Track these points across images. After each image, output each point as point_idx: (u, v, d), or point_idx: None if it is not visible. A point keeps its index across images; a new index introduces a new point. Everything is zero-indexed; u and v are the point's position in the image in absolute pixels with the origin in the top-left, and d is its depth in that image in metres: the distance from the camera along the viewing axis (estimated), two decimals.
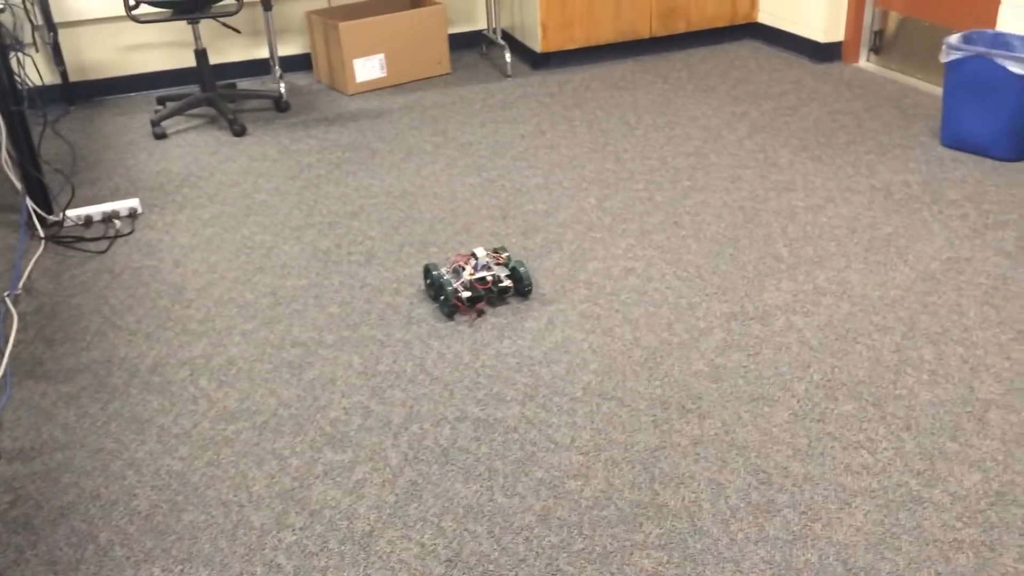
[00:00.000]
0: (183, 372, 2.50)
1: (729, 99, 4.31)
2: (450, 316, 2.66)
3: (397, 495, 2.01)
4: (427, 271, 2.76)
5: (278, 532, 1.93)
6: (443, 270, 2.74)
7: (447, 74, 4.93)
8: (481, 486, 2.02)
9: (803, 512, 1.90)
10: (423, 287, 2.82)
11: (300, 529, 1.94)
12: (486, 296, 2.70)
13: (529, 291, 2.74)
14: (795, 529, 1.86)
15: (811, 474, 2.00)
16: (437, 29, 4.81)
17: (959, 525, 1.84)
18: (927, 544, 1.80)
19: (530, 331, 2.59)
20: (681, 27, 5.00)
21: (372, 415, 2.28)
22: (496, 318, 2.66)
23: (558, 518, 1.92)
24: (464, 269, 2.70)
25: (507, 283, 2.70)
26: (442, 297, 2.65)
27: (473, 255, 2.77)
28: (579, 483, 2.02)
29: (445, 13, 4.84)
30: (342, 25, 4.53)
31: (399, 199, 3.48)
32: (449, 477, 2.06)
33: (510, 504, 1.97)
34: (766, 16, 5.05)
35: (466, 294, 2.64)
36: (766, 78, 4.55)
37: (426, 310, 2.72)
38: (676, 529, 1.88)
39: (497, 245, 3.03)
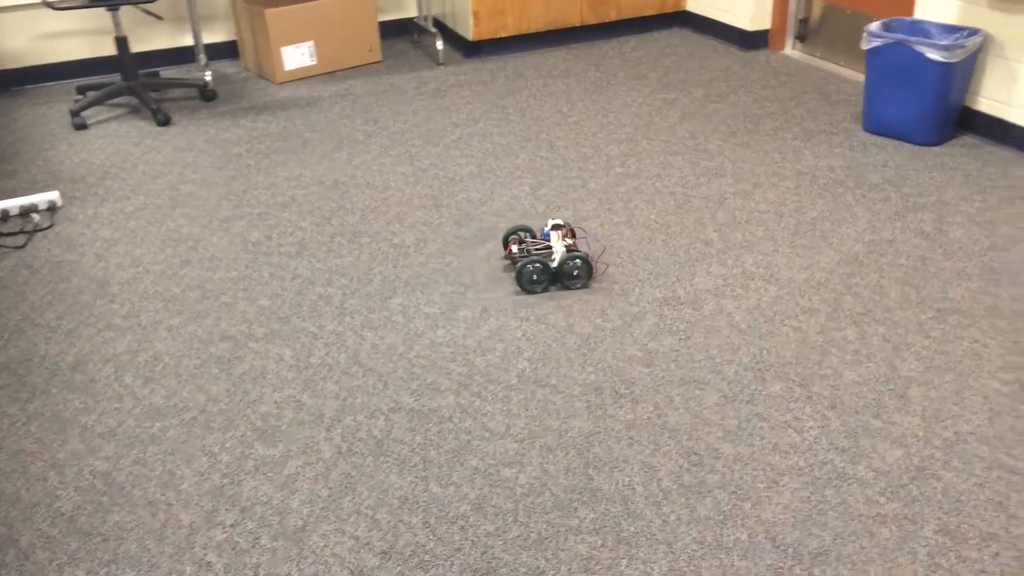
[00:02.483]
0: (107, 369, 2.43)
1: (660, 87, 4.35)
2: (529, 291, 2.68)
3: (330, 488, 1.99)
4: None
5: (208, 530, 1.89)
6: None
7: (378, 62, 4.87)
8: (416, 477, 2.01)
9: (733, 492, 1.94)
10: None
11: (231, 526, 1.90)
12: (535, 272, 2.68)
13: (574, 286, 2.70)
14: (725, 509, 1.89)
15: (741, 454, 2.04)
16: (367, 16, 4.75)
17: (882, 500, 1.90)
18: (852, 519, 1.85)
19: (464, 320, 2.58)
20: (612, 15, 5.02)
21: (304, 408, 2.25)
22: (430, 308, 2.65)
23: (493, 506, 1.92)
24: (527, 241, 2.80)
25: (555, 264, 2.68)
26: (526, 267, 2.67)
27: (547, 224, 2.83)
28: (514, 471, 2.02)
29: (375, 0, 4.77)
30: (268, 12, 4.44)
31: (330, 189, 3.44)
32: (383, 469, 2.04)
33: (445, 494, 1.96)
34: (694, 4, 5.11)
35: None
36: (696, 66, 4.61)
37: (359, 301, 2.69)
38: (610, 513, 1.90)
39: (577, 227, 3.03)
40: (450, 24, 5.03)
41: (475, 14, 4.70)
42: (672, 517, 1.88)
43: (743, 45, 4.79)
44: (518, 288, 2.72)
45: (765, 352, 2.39)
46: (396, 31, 5.28)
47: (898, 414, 2.14)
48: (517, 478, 2.00)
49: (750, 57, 4.69)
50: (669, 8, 5.14)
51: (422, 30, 5.16)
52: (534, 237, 2.87)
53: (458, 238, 3.04)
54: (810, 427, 2.11)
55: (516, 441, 2.11)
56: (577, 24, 4.97)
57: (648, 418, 2.17)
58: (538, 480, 1.99)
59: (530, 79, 4.53)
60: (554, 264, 2.70)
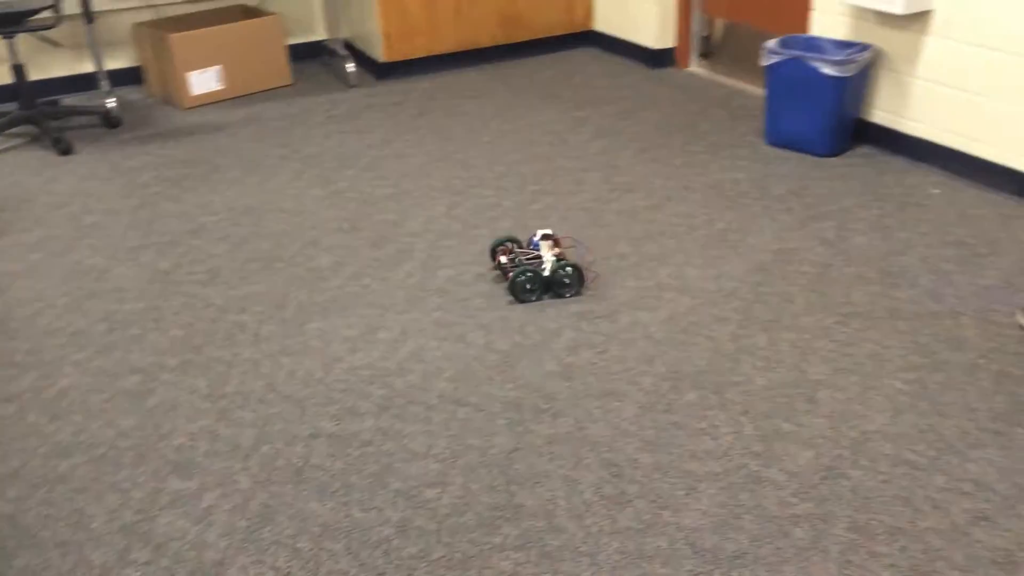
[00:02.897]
0: (9, 408, 2.33)
1: (571, 105, 4.42)
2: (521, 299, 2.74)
3: (249, 520, 1.95)
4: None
5: (121, 569, 1.83)
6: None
7: (288, 85, 4.82)
8: (337, 503, 1.99)
9: (653, 501, 1.97)
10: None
11: (145, 564, 1.84)
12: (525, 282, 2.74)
13: (567, 294, 2.76)
14: (646, 518, 1.92)
15: (659, 463, 2.08)
16: (274, 40, 4.70)
17: (795, 501, 1.95)
18: (767, 521, 1.90)
19: (383, 342, 2.57)
20: (522, 35, 5.09)
21: (220, 439, 2.20)
22: (348, 331, 2.62)
23: (417, 528, 1.91)
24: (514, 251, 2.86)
25: (546, 273, 2.74)
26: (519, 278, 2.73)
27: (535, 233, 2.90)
28: (437, 491, 2.01)
29: (282, 23, 4.74)
30: (173, 36, 4.36)
31: (243, 215, 3.38)
32: (303, 496, 2.01)
33: (367, 518, 1.94)
34: (602, 24, 5.22)
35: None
36: (605, 84, 4.70)
37: (275, 327, 2.65)
38: (533, 528, 1.91)
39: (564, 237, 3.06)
40: (361, 46, 5.02)
41: (386, 36, 4.71)
42: (594, 529, 1.90)
43: (650, 63, 4.91)
44: (512, 298, 2.75)
45: (680, 362, 2.44)
46: (306, 54, 5.24)
47: (807, 416, 2.21)
48: (440, 498, 1.99)
49: (657, 74, 4.81)
50: (578, 28, 5.24)
51: (333, 53, 5.13)
52: (521, 247, 2.91)
53: (375, 260, 3.03)
54: (725, 433, 2.17)
55: (438, 461, 2.11)
56: (488, 44, 5.02)
57: (568, 432, 2.19)
58: (461, 499, 1.99)
59: (443, 100, 4.55)
60: (546, 273, 2.74)
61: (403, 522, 1.93)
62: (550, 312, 2.69)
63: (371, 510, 1.96)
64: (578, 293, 2.78)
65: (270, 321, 2.69)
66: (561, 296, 2.76)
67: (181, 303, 2.80)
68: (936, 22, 3.36)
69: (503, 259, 2.86)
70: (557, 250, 2.86)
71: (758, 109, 4.23)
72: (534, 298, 2.75)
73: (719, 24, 4.68)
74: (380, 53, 4.77)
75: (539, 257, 2.83)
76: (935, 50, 3.40)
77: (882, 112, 3.69)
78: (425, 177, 3.66)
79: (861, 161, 3.64)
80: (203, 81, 4.51)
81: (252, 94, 4.71)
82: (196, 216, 3.38)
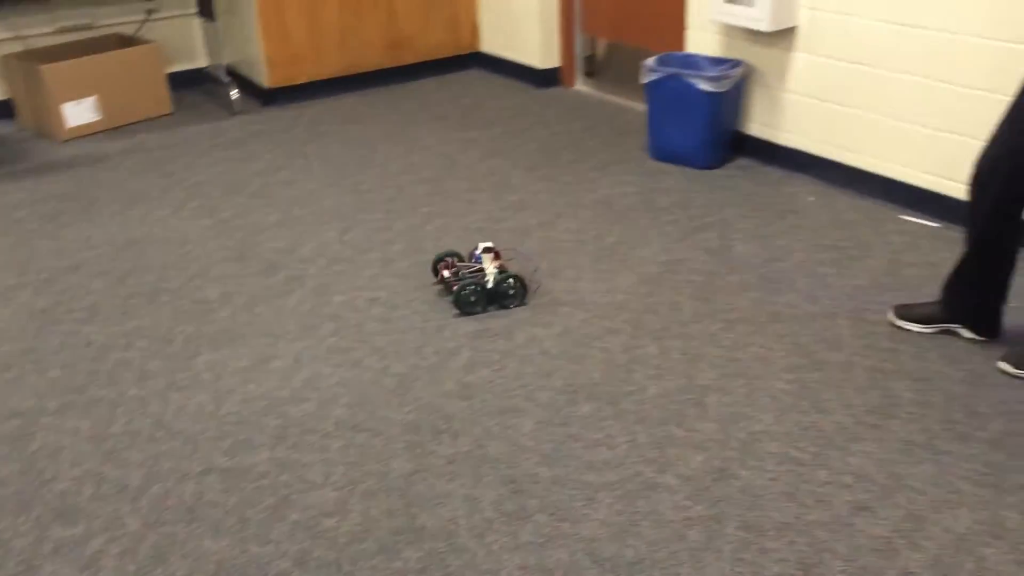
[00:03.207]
0: None
1: (460, 126, 4.45)
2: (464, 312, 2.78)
3: (139, 563, 1.88)
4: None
5: None
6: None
7: (169, 114, 4.70)
8: (232, 539, 1.94)
9: (552, 514, 1.99)
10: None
11: None
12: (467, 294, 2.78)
13: (510, 305, 2.81)
14: (546, 531, 1.94)
15: (558, 476, 2.11)
16: (153, 68, 4.58)
17: (689, 504, 2.01)
18: (663, 526, 1.95)
19: (277, 371, 2.53)
20: (408, 58, 5.10)
21: (106, 481, 2.11)
22: (239, 362, 2.57)
23: (316, 559, 1.88)
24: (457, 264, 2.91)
25: (491, 285, 2.78)
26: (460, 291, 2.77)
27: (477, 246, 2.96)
28: (336, 520, 1.99)
29: (161, 51, 4.62)
30: (45, 68, 4.19)
31: (124, 249, 3.27)
32: (197, 535, 1.95)
33: (264, 553, 1.90)
34: (488, 45, 5.29)
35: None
36: (494, 104, 4.76)
37: (162, 362, 2.57)
38: (435, 550, 1.90)
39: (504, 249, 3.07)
40: (244, 72, 4.94)
41: (269, 61, 4.65)
42: (496, 546, 1.91)
43: (536, 83, 5.00)
44: (457, 311, 2.78)
45: (575, 375, 2.49)
46: (188, 82, 5.12)
47: (698, 421, 2.28)
48: (339, 527, 1.97)
49: (544, 94, 4.89)
50: (464, 49, 5.29)
51: (215, 80, 5.03)
52: (462, 261, 2.93)
53: (265, 288, 2.97)
54: (620, 442, 2.21)
55: (336, 490, 2.08)
56: (375, 68, 5.01)
57: (468, 451, 2.20)
58: (361, 526, 1.97)
59: (331, 124, 4.52)
60: (489, 285, 2.78)
61: (302, 554, 1.89)
62: (447, 333, 2.70)
63: (268, 544, 1.92)
64: (522, 303, 2.83)
65: (156, 356, 2.61)
66: (506, 307, 2.81)
67: (60, 342, 2.69)
68: (800, 38, 3.54)
69: (446, 273, 2.89)
70: (498, 262, 2.91)
71: (642, 125, 4.35)
72: (479, 310, 2.79)
73: (601, 43, 4.80)
74: (264, 79, 4.70)
75: (482, 270, 2.87)
76: (801, 64, 3.58)
77: (757, 125, 3.85)
78: (315, 203, 3.63)
79: (740, 172, 3.79)
80: (79, 112, 4.35)
81: (131, 124, 4.57)
82: (75, 252, 3.25)
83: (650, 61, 3.83)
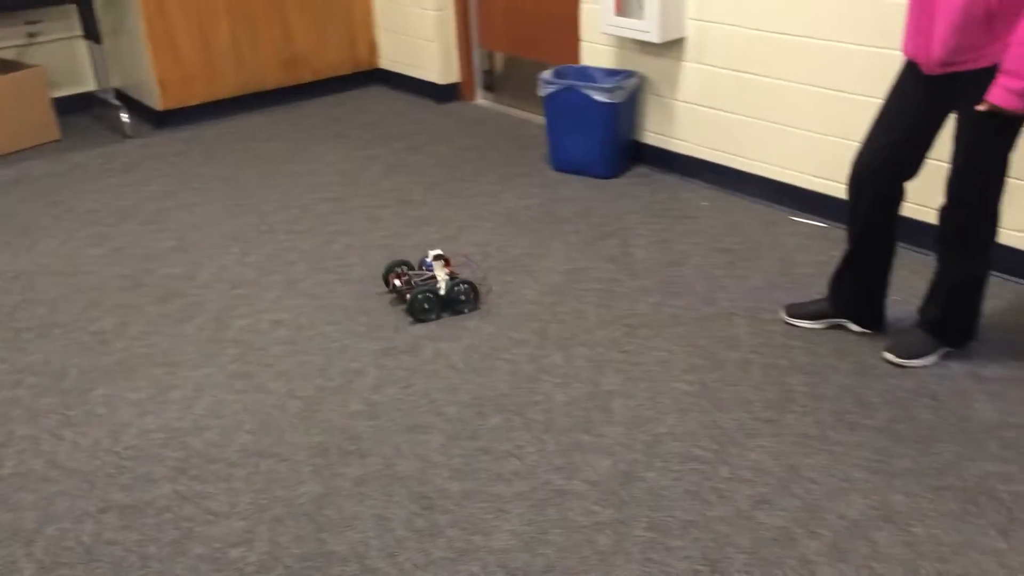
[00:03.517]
0: None
1: (362, 143, 4.43)
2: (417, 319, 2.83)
3: None
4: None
5: None
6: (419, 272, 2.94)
7: (57, 140, 4.54)
8: None
9: (464, 528, 2.00)
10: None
11: None
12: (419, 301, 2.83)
13: (464, 310, 2.87)
14: (458, 546, 1.95)
15: (468, 490, 2.11)
16: (38, 93, 4.41)
17: (597, 508, 2.04)
18: (573, 532, 1.98)
19: (176, 401, 2.46)
20: (307, 76, 5.05)
21: None
22: (136, 394, 2.49)
23: None
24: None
25: (441, 292, 2.83)
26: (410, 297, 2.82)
27: (427, 254, 2.98)
28: (243, 550, 1.95)
29: (45, 75, 4.46)
30: None
31: (12, 281, 3.14)
32: (96, 575, 1.89)
33: None
34: (387, 62, 5.28)
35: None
36: (395, 120, 4.75)
37: (54, 399, 2.48)
38: (346, 573, 1.88)
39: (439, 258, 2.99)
40: (135, 95, 4.80)
41: (161, 83, 4.54)
42: (408, 564, 1.90)
43: (437, 98, 5.02)
44: (412, 319, 2.83)
45: (482, 388, 2.50)
46: (76, 107, 4.95)
47: (605, 426, 2.32)
48: (246, 557, 1.93)
49: (445, 109, 4.91)
50: (363, 67, 5.27)
51: (105, 103, 4.88)
52: (412, 269, 2.98)
53: (163, 316, 2.90)
54: (529, 452, 2.23)
55: (242, 519, 2.04)
56: (272, 87, 4.95)
57: (377, 470, 2.19)
58: (269, 554, 1.93)
59: (229, 145, 4.43)
60: (442, 292, 2.83)
61: None
62: (352, 353, 2.68)
63: None
64: (475, 308, 2.87)
65: (48, 393, 2.51)
66: (459, 312, 2.86)
67: None
68: (689, 48, 3.65)
69: (397, 283, 2.93)
70: (449, 269, 2.93)
71: (542, 137, 4.41)
72: (433, 316, 2.84)
73: (499, 57, 4.85)
74: (156, 101, 4.58)
75: (433, 277, 2.90)
76: (691, 74, 3.69)
77: (652, 133, 3.95)
78: (214, 226, 3.55)
79: (638, 181, 3.88)
80: None
81: (17, 152, 4.39)
82: None
83: (546, 74, 3.89)
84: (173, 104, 4.62)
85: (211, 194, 3.86)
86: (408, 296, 2.83)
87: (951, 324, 2.50)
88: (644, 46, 3.81)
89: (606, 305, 2.90)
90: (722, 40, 3.53)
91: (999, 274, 2.97)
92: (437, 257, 2.95)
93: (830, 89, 3.25)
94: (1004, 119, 2.16)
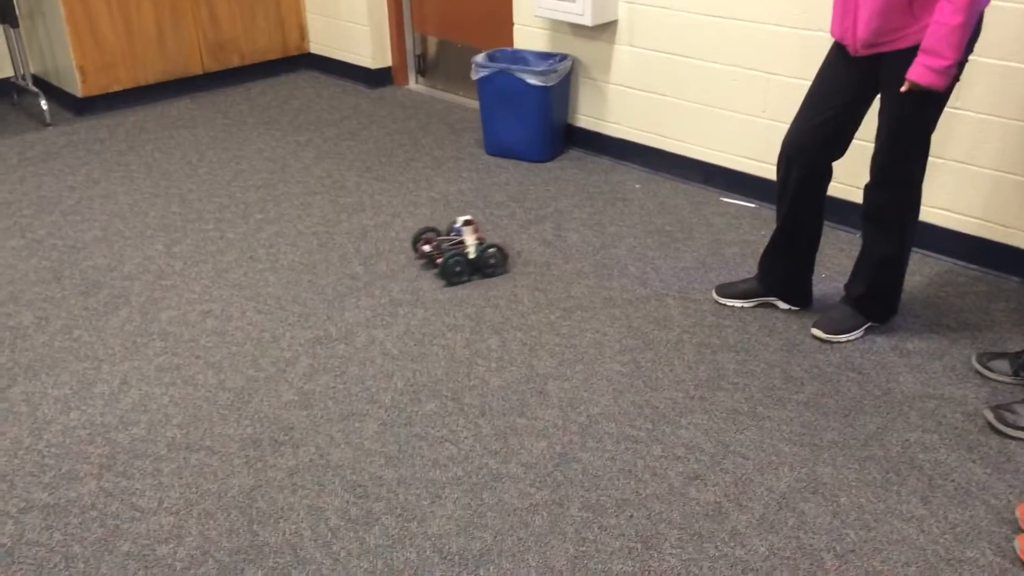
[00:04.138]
0: None
1: (292, 129, 4.35)
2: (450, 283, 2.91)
3: None
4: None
5: None
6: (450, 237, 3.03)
7: None
8: None
9: (399, 515, 1.98)
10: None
11: None
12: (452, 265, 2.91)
13: (494, 274, 2.96)
14: (394, 533, 1.93)
15: (404, 477, 2.10)
16: None
17: (532, 490, 2.05)
18: (509, 514, 1.98)
19: (101, 396, 2.39)
20: (235, 61, 4.94)
21: None
22: (59, 390, 2.41)
23: None
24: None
25: (472, 255, 2.92)
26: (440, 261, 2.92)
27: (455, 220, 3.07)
28: (171, 546, 1.90)
29: None
30: None
31: None
32: None
33: None
34: (317, 46, 5.19)
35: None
36: (325, 106, 4.68)
37: None
38: (279, 565, 1.86)
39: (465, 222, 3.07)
40: (54, 81, 4.64)
41: (80, 69, 4.38)
42: (343, 553, 1.88)
43: (369, 83, 4.95)
44: (444, 283, 2.92)
45: (418, 374, 2.48)
46: None
47: (540, 409, 2.33)
48: (175, 553, 1.89)
49: (377, 94, 4.85)
50: (293, 51, 5.17)
51: (22, 90, 4.70)
52: (440, 235, 3.04)
53: (86, 309, 2.81)
54: (464, 437, 2.23)
55: (171, 514, 1.99)
56: (199, 72, 4.82)
57: (311, 460, 2.16)
58: (199, 549, 1.90)
59: (153, 132, 4.31)
60: (471, 256, 2.91)
61: None
62: (284, 343, 2.63)
63: None
64: (504, 271, 2.97)
65: None
66: (489, 276, 2.95)
67: None
68: (621, 31, 3.66)
69: (427, 248, 3.01)
70: (477, 234, 3.00)
71: (475, 121, 4.39)
72: (465, 279, 2.93)
73: (432, 42, 4.81)
74: (77, 87, 4.43)
75: (462, 242, 2.97)
76: (623, 57, 3.70)
77: (585, 117, 3.96)
78: (139, 216, 3.46)
79: (572, 164, 3.88)
80: None
81: None
82: None
83: (479, 58, 3.87)
84: (94, 91, 4.47)
85: (135, 183, 3.75)
86: (439, 261, 2.93)
87: (875, 299, 2.57)
88: (577, 29, 3.81)
89: (540, 288, 2.90)
90: (654, 23, 3.55)
91: (920, 250, 3.06)
92: (467, 222, 3.02)
93: (759, 71, 3.30)
94: (924, 97, 2.21)
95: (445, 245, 2.99)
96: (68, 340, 2.65)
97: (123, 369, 2.51)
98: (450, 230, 3.09)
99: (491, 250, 2.94)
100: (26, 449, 2.19)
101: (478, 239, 3.00)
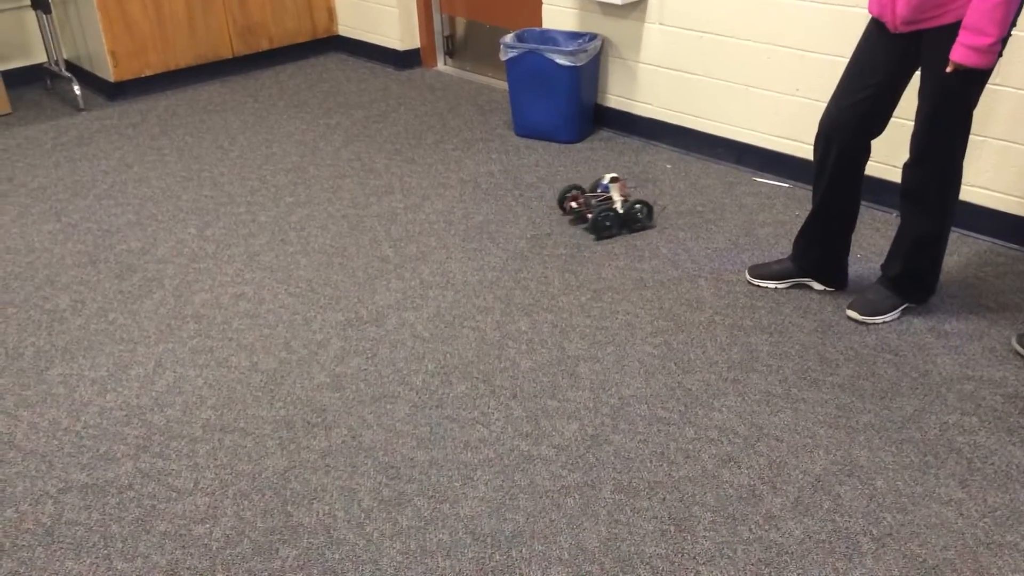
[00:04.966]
0: None
1: (321, 112, 4.36)
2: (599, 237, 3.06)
3: None
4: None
5: None
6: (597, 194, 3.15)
7: (7, 114, 4.41)
8: (96, 557, 1.85)
9: (431, 496, 1.99)
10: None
11: None
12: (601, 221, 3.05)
13: (642, 228, 3.09)
14: (426, 514, 1.94)
15: (435, 459, 2.10)
16: None
17: (564, 472, 2.04)
18: (541, 496, 1.98)
19: (137, 378, 2.42)
20: (264, 45, 4.95)
21: None
22: (95, 372, 2.45)
23: (188, 568, 1.82)
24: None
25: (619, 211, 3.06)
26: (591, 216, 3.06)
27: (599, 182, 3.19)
28: (207, 526, 1.93)
29: None
30: None
31: None
32: (57, 557, 1.85)
33: (132, 568, 1.82)
34: (345, 29, 5.18)
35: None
36: (354, 88, 4.67)
37: (9, 379, 2.42)
38: (313, 546, 1.87)
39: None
40: (87, 67, 4.68)
41: (112, 54, 4.42)
42: (375, 535, 1.89)
43: (397, 65, 4.94)
44: (594, 237, 3.06)
45: (448, 356, 2.48)
46: (26, 79, 4.81)
47: (571, 391, 2.32)
48: (211, 533, 1.91)
49: (405, 76, 4.84)
50: (321, 34, 5.17)
51: (56, 76, 4.75)
52: (585, 192, 3.18)
53: (121, 292, 2.84)
54: (496, 419, 2.23)
55: (207, 495, 2.01)
56: (229, 56, 4.84)
57: (343, 442, 2.17)
58: (235, 530, 1.92)
59: (184, 117, 4.34)
60: (620, 211, 3.04)
61: (173, 565, 1.83)
62: (315, 325, 2.64)
63: (136, 558, 1.84)
64: (652, 226, 3.10)
65: (3, 373, 2.45)
66: (637, 230, 3.08)
67: None
68: (651, 10, 3.62)
69: (574, 204, 3.15)
70: (625, 191, 3.14)
71: (504, 102, 4.37)
72: (615, 232, 3.07)
73: (460, 22, 4.78)
74: (109, 72, 4.47)
75: (609, 198, 3.10)
76: (654, 36, 3.66)
77: (615, 97, 3.92)
78: (171, 199, 3.48)
79: (602, 145, 3.85)
80: None
81: None
82: None
83: (508, 38, 3.84)
84: (126, 75, 4.51)
85: (168, 167, 3.78)
86: (589, 216, 3.03)
87: (912, 280, 2.52)
88: (606, 8, 3.77)
89: (571, 270, 2.89)
90: (684, 1, 3.50)
91: (959, 230, 3.00)
92: (613, 179, 3.11)
93: (792, 48, 3.24)
94: (967, 74, 2.16)
95: (593, 201, 3.10)
96: (104, 323, 2.68)
97: (158, 351, 2.54)
98: (596, 187, 3.18)
99: (638, 205, 3.07)
100: (64, 430, 2.23)
101: (624, 195, 3.09)
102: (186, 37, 4.64)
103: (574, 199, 3.17)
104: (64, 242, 3.17)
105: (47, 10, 4.42)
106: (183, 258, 3.05)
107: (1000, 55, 2.16)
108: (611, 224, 3.04)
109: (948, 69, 2.14)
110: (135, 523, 1.94)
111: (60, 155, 3.92)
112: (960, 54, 2.09)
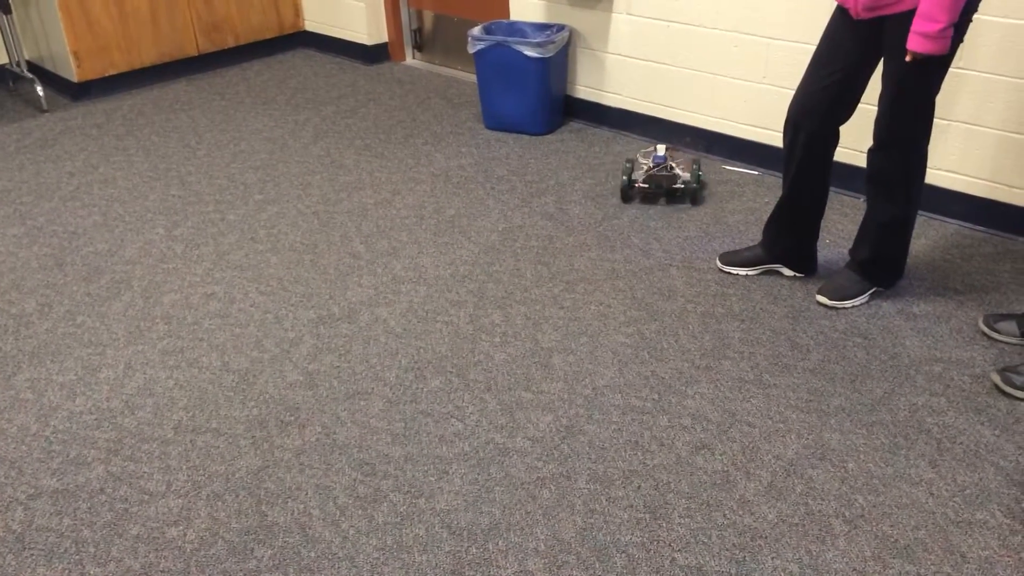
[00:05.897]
0: None
1: (289, 108, 4.32)
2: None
3: None
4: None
5: None
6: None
7: None
8: (68, 563, 1.83)
9: (407, 492, 1.98)
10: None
11: None
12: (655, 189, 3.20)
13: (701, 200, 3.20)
14: (402, 510, 1.94)
15: (410, 454, 2.10)
16: None
17: (539, 464, 2.05)
18: (516, 489, 1.98)
19: (106, 381, 2.39)
20: (230, 42, 4.90)
21: None
22: (64, 376, 2.41)
23: (162, 571, 1.80)
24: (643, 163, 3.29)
25: (680, 184, 3.18)
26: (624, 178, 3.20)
27: (655, 149, 3.27)
28: (181, 528, 1.91)
29: None
30: None
31: None
32: (28, 564, 1.83)
33: (105, 573, 1.80)
34: (312, 24, 5.14)
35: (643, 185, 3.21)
36: (323, 84, 4.64)
37: None
38: (288, 545, 1.86)
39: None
40: (50, 67, 4.61)
41: (75, 54, 4.35)
42: (351, 532, 1.89)
43: (366, 59, 4.91)
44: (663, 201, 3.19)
45: (422, 351, 2.48)
46: None
47: (545, 383, 2.32)
48: (185, 535, 1.89)
49: (374, 70, 4.81)
50: (288, 30, 5.12)
51: (18, 77, 4.67)
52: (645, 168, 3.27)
53: (88, 295, 2.80)
54: (470, 413, 2.22)
55: (180, 497, 2.00)
56: (194, 54, 4.78)
57: (317, 440, 2.16)
58: (208, 531, 1.90)
59: (150, 116, 4.29)
60: (687, 177, 3.19)
61: (146, 568, 1.81)
62: (287, 323, 2.63)
63: (108, 563, 1.83)
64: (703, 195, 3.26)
65: None
66: (697, 205, 3.19)
67: None
68: (618, 0, 3.62)
69: (645, 185, 3.21)
70: (681, 160, 3.28)
71: (474, 96, 4.35)
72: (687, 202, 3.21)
73: (428, 15, 4.76)
74: (72, 73, 4.40)
75: (670, 168, 3.20)
76: (621, 26, 3.66)
77: (584, 88, 3.92)
78: (138, 200, 3.44)
79: (572, 136, 3.85)
80: None
81: None
82: None
83: (475, 30, 3.83)
84: (90, 75, 4.44)
85: (134, 167, 3.73)
86: (672, 187, 3.17)
87: (881, 264, 2.55)
88: None
89: (544, 262, 2.89)
90: None
91: (926, 213, 3.04)
92: (668, 149, 3.28)
93: (759, 36, 3.25)
94: (927, 61, 2.18)
95: (654, 172, 3.20)
96: (71, 326, 2.65)
97: (127, 354, 2.51)
98: (654, 162, 3.24)
99: (699, 175, 3.22)
100: (33, 436, 2.20)
101: (684, 165, 3.25)
102: (150, 35, 4.58)
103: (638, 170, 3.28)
104: (30, 245, 3.13)
105: (7, 10, 4.35)
106: (151, 259, 3.01)
107: (962, 41, 2.18)
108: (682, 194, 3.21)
109: (908, 59, 2.16)
110: (107, 527, 1.92)
111: (24, 157, 3.86)
112: (914, 42, 2.11)
